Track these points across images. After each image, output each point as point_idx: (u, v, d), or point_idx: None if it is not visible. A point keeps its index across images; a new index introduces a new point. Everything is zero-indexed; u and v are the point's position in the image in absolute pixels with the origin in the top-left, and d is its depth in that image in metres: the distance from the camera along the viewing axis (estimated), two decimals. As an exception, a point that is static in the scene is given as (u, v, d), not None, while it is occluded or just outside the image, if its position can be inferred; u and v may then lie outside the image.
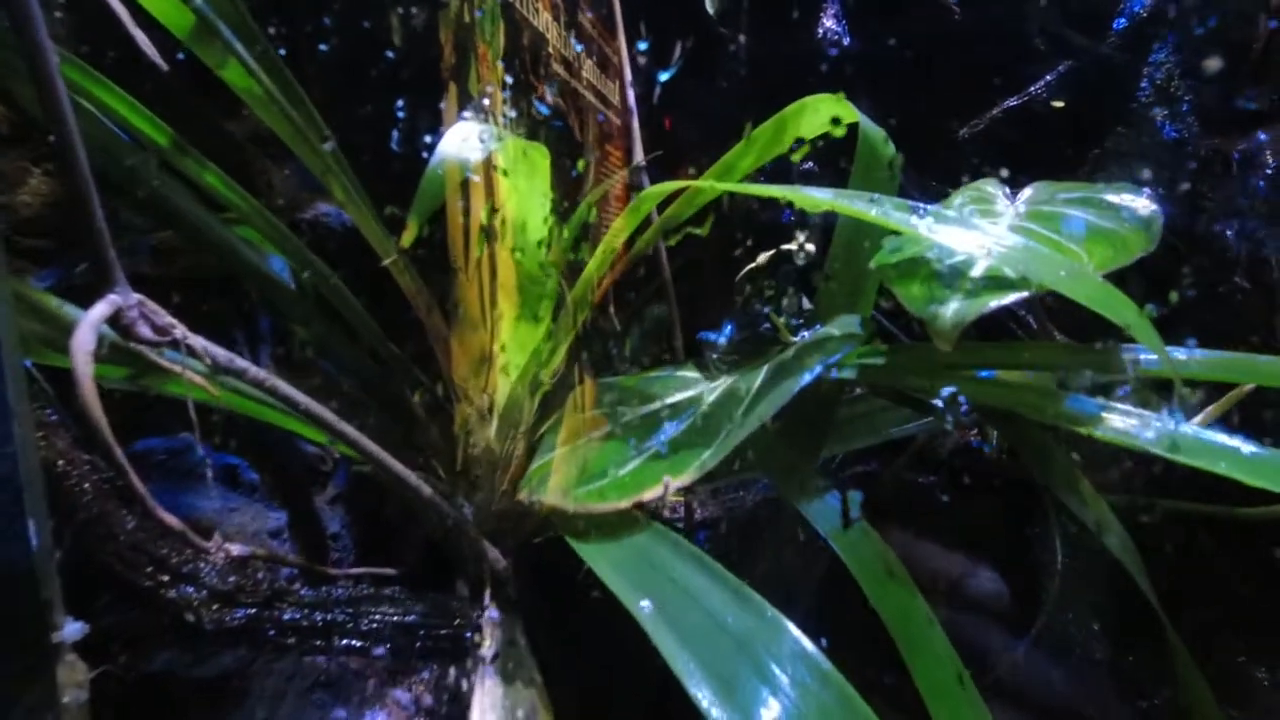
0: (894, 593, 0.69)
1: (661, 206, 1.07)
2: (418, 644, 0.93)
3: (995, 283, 0.68)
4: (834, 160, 1.17)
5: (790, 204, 0.93)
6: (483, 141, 0.69)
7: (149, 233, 1.00)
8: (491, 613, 0.95)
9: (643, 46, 1.39)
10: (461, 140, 0.68)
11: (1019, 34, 1.83)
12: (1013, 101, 1.85)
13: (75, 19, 1.03)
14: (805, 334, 0.88)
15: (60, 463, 0.78)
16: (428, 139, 0.91)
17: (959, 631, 0.71)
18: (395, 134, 1.13)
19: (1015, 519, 1.17)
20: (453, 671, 0.90)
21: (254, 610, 0.85)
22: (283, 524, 1.16)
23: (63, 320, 0.78)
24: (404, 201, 0.92)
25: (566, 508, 0.80)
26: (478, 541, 0.94)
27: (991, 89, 1.83)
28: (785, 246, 0.90)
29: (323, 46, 1.21)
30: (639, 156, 1.33)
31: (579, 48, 1.22)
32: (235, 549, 0.74)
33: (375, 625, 0.92)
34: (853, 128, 0.97)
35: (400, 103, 1.20)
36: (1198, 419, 1.15)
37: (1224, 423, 0.94)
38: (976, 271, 0.70)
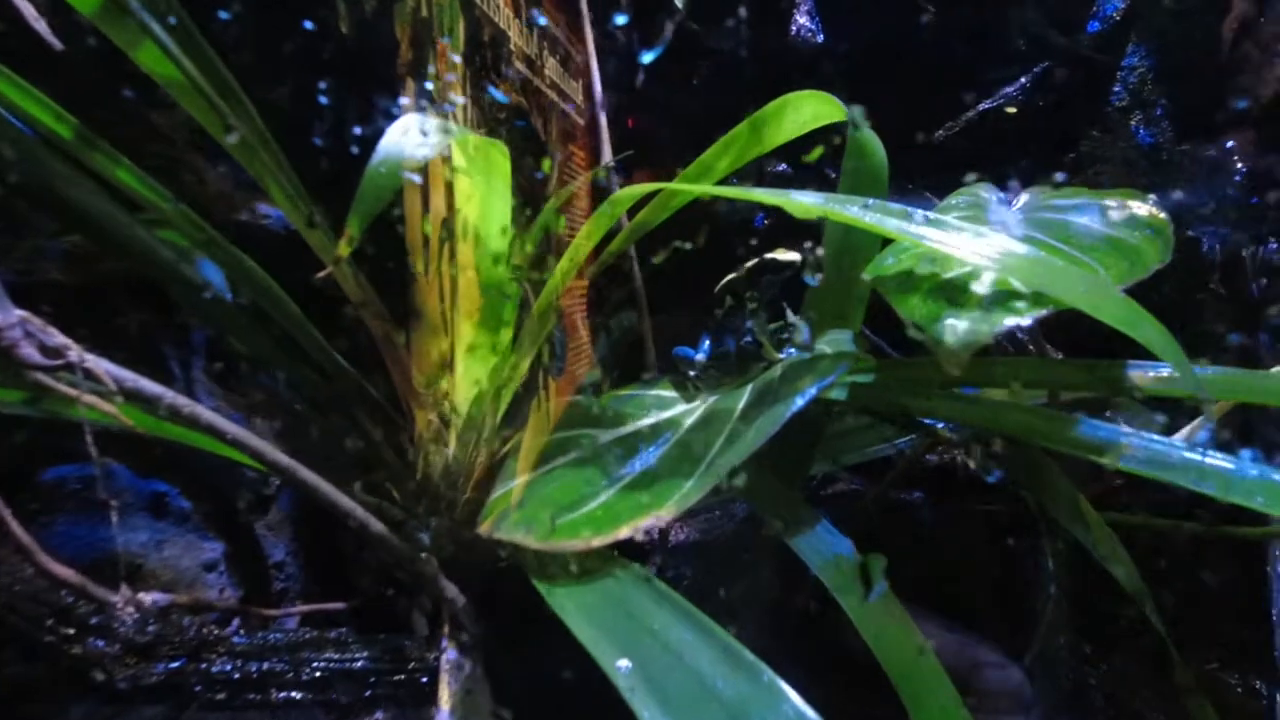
0: (923, 675, 0.61)
1: (632, 212, 1.00)
2: (367, 693, 0.84)
3: (1006, 298, 0.62)
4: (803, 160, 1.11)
5: (764, 208, 0.85)
6: (431, 135, 0.60)
7: (59, 235, 0.90)
8: (449, 655, 0.86)
9: (611, 37, 1.31)
10: (408, 134, 0.60)
11: (996, 36, 1.80)
12: (988, 104, 1.83)
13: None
14: (791, 350, 0.81)
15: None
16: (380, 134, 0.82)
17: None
18: (339, 129, 1.03)
19: (1003, 540, 1.12)
20: (405, 725, 0.81)
21: (178, 664, 0.75)
22: (219, 555, 1.06)
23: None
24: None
25: (530, 545, 0.72)
26: (433, 579, 0.85)
27: (968, 91, 1.80)
28: (769, 255, 0.83)
29: (251, 31, 1.11)
30: (607, 156, 1.25)
31: (544, 30, 1.14)
32: (150, 598, 0.64)
33: (319, 674, 0.82)
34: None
35: (349, 95, 1.11)
36: (1180, 434, 1.11)
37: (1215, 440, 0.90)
38: (982, 286, 0.64)
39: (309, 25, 1.12)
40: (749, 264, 0.87)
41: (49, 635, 0.70)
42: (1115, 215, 0.75)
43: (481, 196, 0.84)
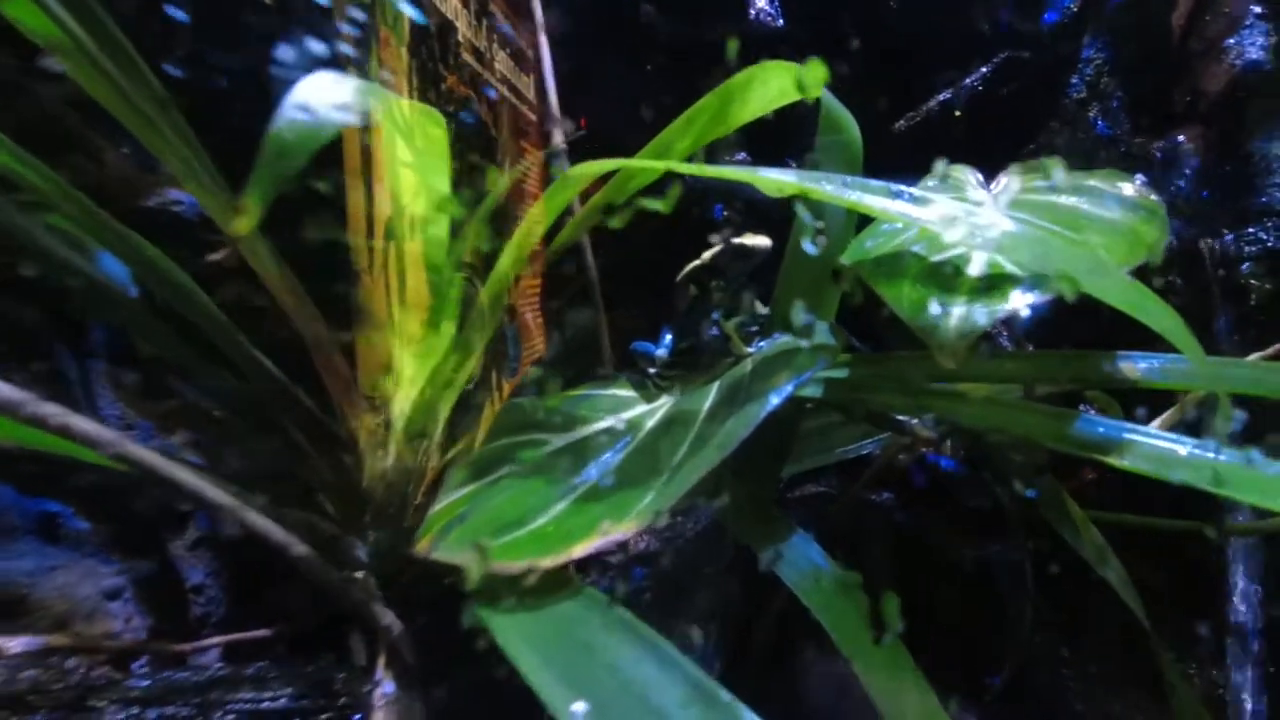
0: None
1: (585, 197, 0.92)
2: (289, 735, 0.75)
3: (1001, 282, 0.56)
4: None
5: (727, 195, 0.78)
6: (347, 95, 0.51)
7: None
8: (385, 688, 0.77)
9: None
10: (321, 92, 0.50)
11: (956, 27, 1.77)
12: (947, 95, 1.80)
13: None
14: (762, 343, 0.74)
15: None
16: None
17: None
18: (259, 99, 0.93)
19: (980, 540, 1.07)
20: (333, 773, 0.72)
21: (57, 714, 0.64)
22: (124, 581, 0.94)
23: None
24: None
25: (473, 566, 0.63)
26: (366, 604, 0.76)
27: (928, 81, 1.77)
28: (735, 240, 0.76)
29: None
30: (558, 139, 1.17)
31: (500, 29, 1.05)
32: (15, 645, 0.54)
33: (232, 718, 0.72)
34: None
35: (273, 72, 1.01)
36: (1155, 423, 1.07)
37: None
38: (975, 268, 0.58)
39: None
40: (713, 250, 0.80)
41: (-104, 689, 0.59)
42: (1105, 196, 0.69)
43: (415, 171, 0.75)
